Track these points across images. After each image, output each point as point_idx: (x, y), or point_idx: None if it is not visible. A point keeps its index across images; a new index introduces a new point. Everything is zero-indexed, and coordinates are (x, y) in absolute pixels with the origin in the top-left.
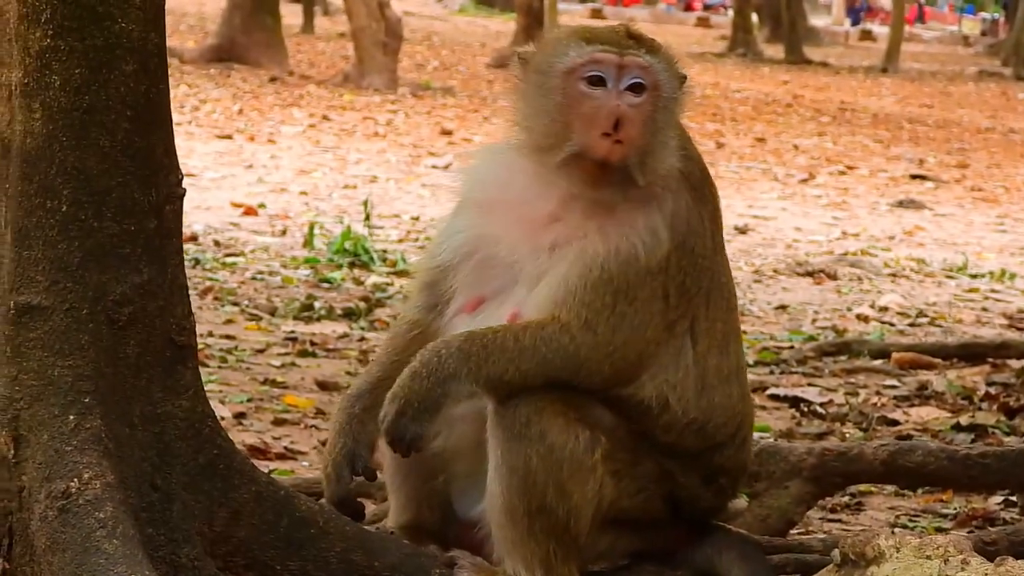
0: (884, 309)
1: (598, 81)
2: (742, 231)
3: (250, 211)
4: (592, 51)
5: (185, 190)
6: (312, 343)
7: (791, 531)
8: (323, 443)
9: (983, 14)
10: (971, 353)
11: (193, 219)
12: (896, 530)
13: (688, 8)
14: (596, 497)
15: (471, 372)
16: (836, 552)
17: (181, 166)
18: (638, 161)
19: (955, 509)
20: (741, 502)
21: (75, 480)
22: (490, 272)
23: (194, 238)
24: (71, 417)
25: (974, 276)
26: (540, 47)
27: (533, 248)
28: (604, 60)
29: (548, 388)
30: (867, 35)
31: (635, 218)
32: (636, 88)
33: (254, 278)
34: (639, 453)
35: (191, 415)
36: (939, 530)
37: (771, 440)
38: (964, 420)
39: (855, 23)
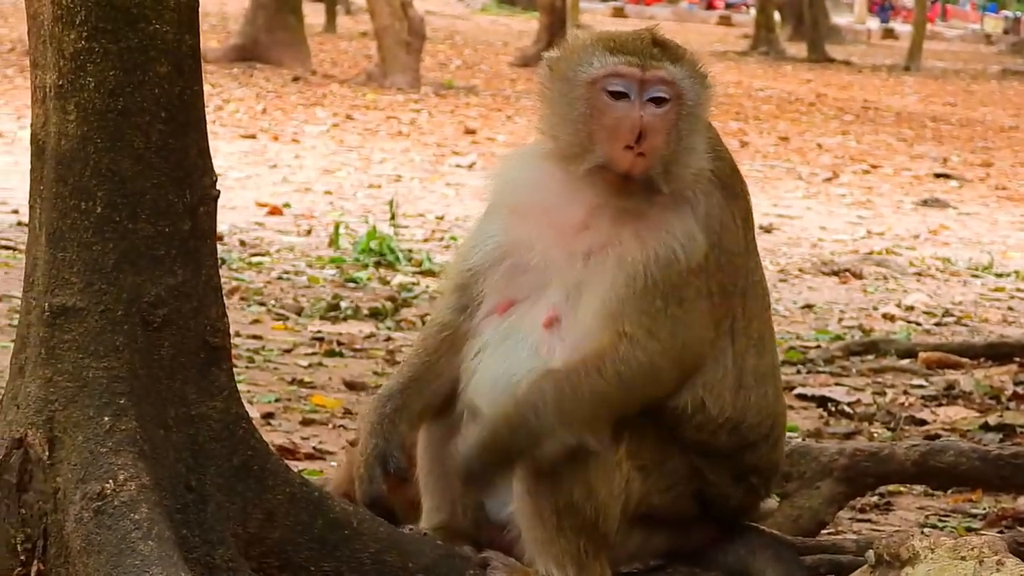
0: (910, 308)
1: (620, 93)
2: (767, 230)
3: (275, 211)
4: (615, 63)
5: (219, 192)
6: (339, 343)
7: (822, 531)
8: (352, 443)
9: (1005, 12)
10: (998, 353)
11: (219, 219)
12: (927, 530)
13: (710, 7)
14: (623, 493)
15: (567, 424)
16: (870, 553)
17: None
18: (662, 171)
19: (985, 509)
20: (772, 502)
21: (110, 482)
22: (521, 276)
23: (219, 238)
24: (106, 419)
25: (1000, 275)
26: (565, 53)
27: (566, 253)
28: (626, 74)
29: None
30: (889, 33)
31: (670, 222)
32: (659, 100)
33: (280, 278)
34: (667, 450)
35: (225, 416)
36: (969, 530)
37: (801, 440)
38: (992, 420)
39: (884, 21)
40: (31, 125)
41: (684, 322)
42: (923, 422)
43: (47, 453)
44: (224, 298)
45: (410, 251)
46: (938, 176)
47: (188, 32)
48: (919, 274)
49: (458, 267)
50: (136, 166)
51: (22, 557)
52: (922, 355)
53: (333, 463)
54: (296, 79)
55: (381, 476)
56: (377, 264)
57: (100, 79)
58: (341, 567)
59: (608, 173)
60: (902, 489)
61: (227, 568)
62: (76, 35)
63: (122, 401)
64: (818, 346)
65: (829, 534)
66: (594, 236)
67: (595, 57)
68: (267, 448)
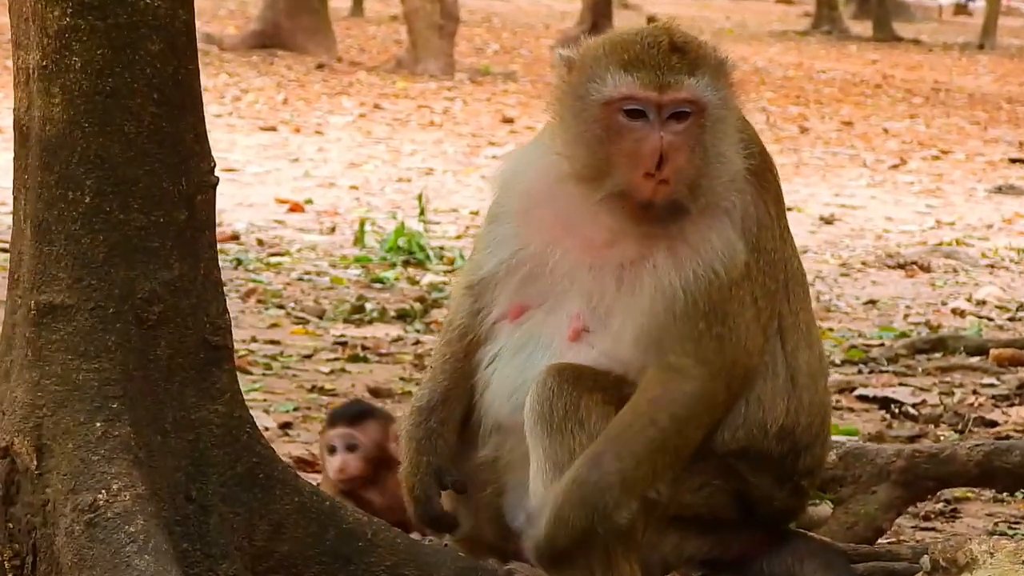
0: (982, 303)
1: (638, 113)
2: (828, 221)
3: (296, 207)
4: (629, 83)
5: (218, 179)
6: (363, 347)
7: (881, 539)
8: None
9: None
10: None
11: (235, 217)
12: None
13: None
14: None
15: (633, 489)
16: (926, 559)
17: (221, 160)
18: (688, 191)
19: None
20: (825, 509)
21: (103, 492)
22: (536, 282)
23: (236, 237)
24: (98, 424)
25: None
26: (577, 65)
27: (590, 265)
28: (642, 97)
29: (582, 378)
30: (962, 9)
31: (705, 234)
32: (680, 115)
33: (301, 279)
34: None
35: (228, 421)
36: None
37: (858, 442)
38: None
39: None
40: (14, 110)
41: (730, 339)
42: (993, 423)
43: (35, 462)
44: (232, 299)
45: (441, 248)
46: (1013, 161)
47: (182, 7)
48: (992, 266)
49: (472, 271)
50: (127, 152)
51: (10, 574)
52: (993, 352)
53: None
54: (320, 67)
55: (439, 493)
56: (406, 263)
57: (87, 59)
58: None
59: (628, 201)
60: (969, 495)
61: None
62: (60, 11)
63: (115, 405)
64: (881, 344)
65: (889, 542)
66: (623, 252)
67: (608, 74)
68: (274, 454)
